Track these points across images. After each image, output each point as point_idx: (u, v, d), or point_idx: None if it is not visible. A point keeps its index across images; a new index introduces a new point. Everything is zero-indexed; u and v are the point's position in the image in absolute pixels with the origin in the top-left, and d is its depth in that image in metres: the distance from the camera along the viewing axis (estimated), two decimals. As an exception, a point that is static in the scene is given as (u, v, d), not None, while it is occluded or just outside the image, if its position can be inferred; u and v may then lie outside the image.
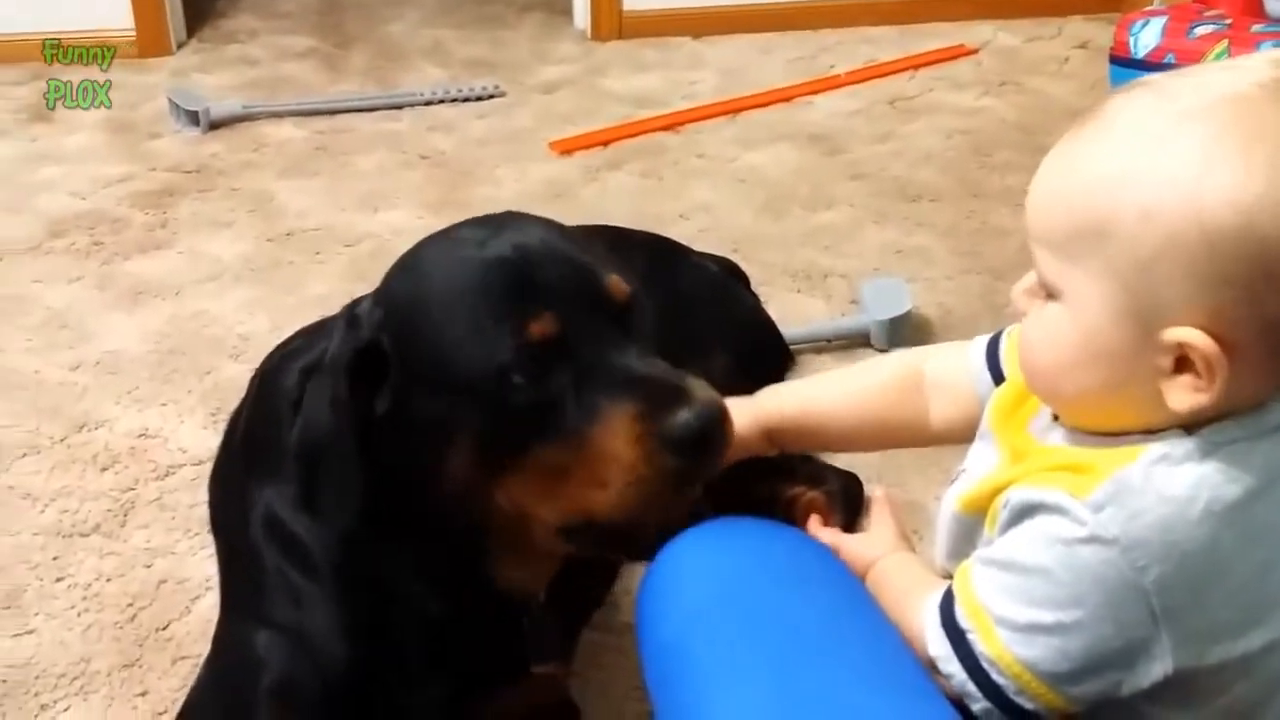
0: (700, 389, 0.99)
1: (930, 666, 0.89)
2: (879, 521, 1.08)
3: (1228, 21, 2.08)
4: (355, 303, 1.13)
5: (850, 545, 1.05)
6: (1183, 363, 0.78)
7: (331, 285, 2.38)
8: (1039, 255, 0.84)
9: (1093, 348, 0.82)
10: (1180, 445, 0.81)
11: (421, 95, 3.18)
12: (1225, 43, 2.01)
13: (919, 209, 2.65)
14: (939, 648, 0.88)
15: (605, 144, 2.95)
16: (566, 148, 2.93)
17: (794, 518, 1.64)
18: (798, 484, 1.70)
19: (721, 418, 0.98)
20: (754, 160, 2.88)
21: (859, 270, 2.37)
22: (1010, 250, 2.48)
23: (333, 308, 2.14)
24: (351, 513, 1.07)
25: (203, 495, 1.75)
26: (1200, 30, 2.07)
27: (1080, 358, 0.83)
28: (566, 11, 3.68)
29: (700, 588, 0.95)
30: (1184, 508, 0.79)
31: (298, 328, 2.10)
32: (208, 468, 1.80)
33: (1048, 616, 0.83)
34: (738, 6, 3.61)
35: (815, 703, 0.82)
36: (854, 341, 2.16)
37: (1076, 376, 0.84)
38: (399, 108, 3.15)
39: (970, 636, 0.87)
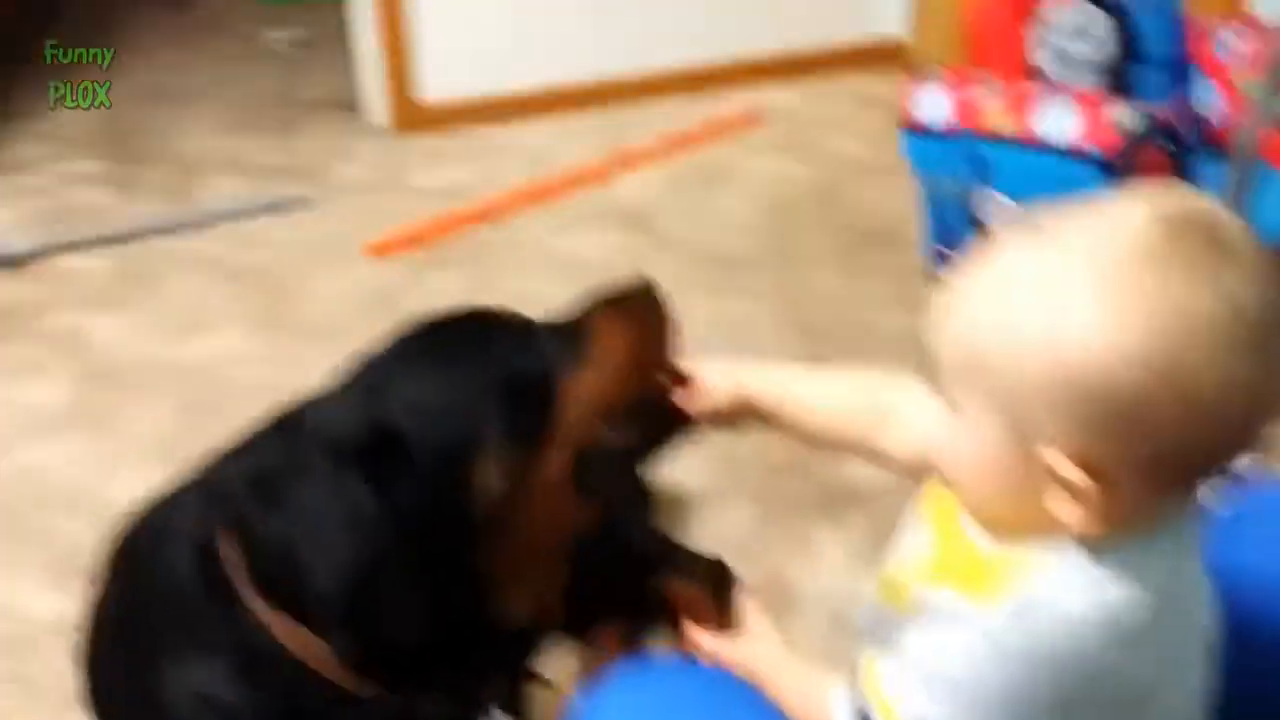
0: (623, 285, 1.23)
1: None
2: (756, 625, 1.13)
3: (1003, 86, 2.22)
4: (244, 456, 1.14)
5: (732, 650, 1.10)
6: (1065, 485, 0.83)
7: (163, 423, 2.31)
8: (939, 371, 0.89)
9: (985, 462, 0.86)
10: (1077, 562, 0.85)
11: (225, 210, 3.12)
12: (1005, 108, 2.15)
13: (736, 277, 2.74)
14: None
15: (422, 242, 2.95)
16: (382, 250, 2.92)
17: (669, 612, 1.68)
18: (669, 575, 1.73)
19: (647, 279, 1.24)
20: (571, 245, 2.93)
21: (692, 344, 2.43)
22: (829, 311, 2.58)
23: (169, 448, 2.13)
24: (418, 636, 1.07)
25: (60, 665, 1.68)
26: (980, 96, 2.20)
27: (976, 469, 0.87)
28: (360, 108, 3.66)
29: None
30: (1080, 627, 0.83)
31: (133, 473, 2.07)
32: (60, 637, 1.74)
33: (950, 717, 0.87)
34: (532, 90, 3.67)
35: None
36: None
37: (975, 485, 0.89)
38: (202, 226, 3.08)
39: None
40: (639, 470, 1.43)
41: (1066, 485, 0.81)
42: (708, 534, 1.92)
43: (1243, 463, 0.86)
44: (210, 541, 1.16)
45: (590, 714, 1.00)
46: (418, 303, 2.68)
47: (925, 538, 1.00)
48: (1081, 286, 0.78)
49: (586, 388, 1.15)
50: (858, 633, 1.03)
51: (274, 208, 3.15)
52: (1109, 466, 0.80)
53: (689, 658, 1.11)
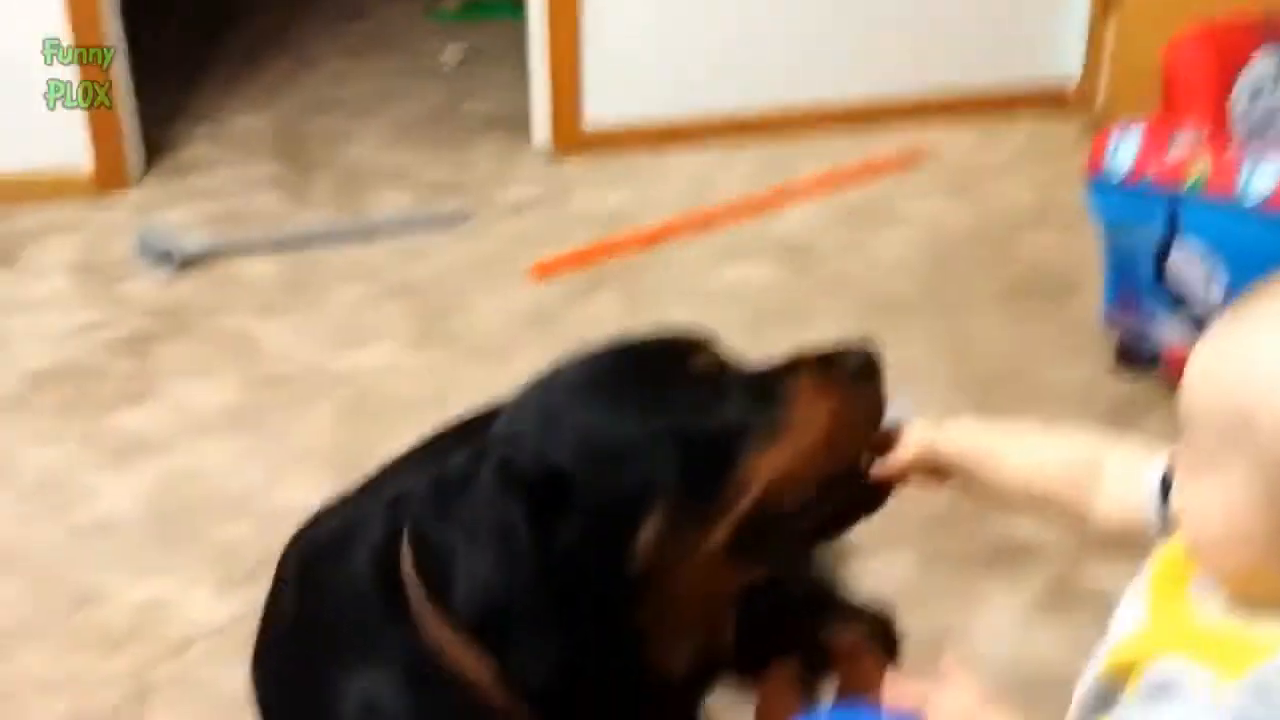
0: (839, 342, 1.14)
1: None
2: (952, 673, 1.06)
3: (1203, 137, 2.14)
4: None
5: (941, 706, 1.04)
6: None
7: (321, 432, 2.35)
8: (1189, 430, 0.85)
9: (1242, 530, 0.82)
10: None
11: (392, 222, 3.17)
12: (1205, 162, 2.06)
13: (897, 321, 2.68)
14: None
15: (582, 264, 2.96)
16: (546, 271, 2.93)
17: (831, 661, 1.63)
18: (833, 624, 1.69)
19: (871, 344, 1.14)
20: (730, 276, 2.91)
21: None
22: (994, 359, 2.52)
23: (327, 456, 2.16)
24: (550, 674, 1.04)
25: (224, 670, 1.71)
26: (1178, 148, 2.12)
27: (1229, 537, 0.83)
28: (526, 129, 3.70)
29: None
30: None
31: (294, 480, 2.10)
32: (225, 639, 1.78)
33: None
34: (696, 118, 3.66)
35: None
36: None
37: (1227, 553, 0.84)
38: (369, 237, 3.13)
39: None
40: (817, 544, 1.38)
41: None
42: (870, 585, 1.87)
43: None
44: (390, 552, 1.16)
45: None
46: (576, 325, 2.71)
47: (1141, 608, 0.95)
48: None
49: (773, 462, 1.08)
50: (1074, 714, 0.98)
51: (439, 223, 3.19)
52: None
53: (867, 707, 1.06)
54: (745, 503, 1.07)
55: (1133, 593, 0.98)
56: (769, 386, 1.10)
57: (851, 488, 1.15)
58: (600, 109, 3.60)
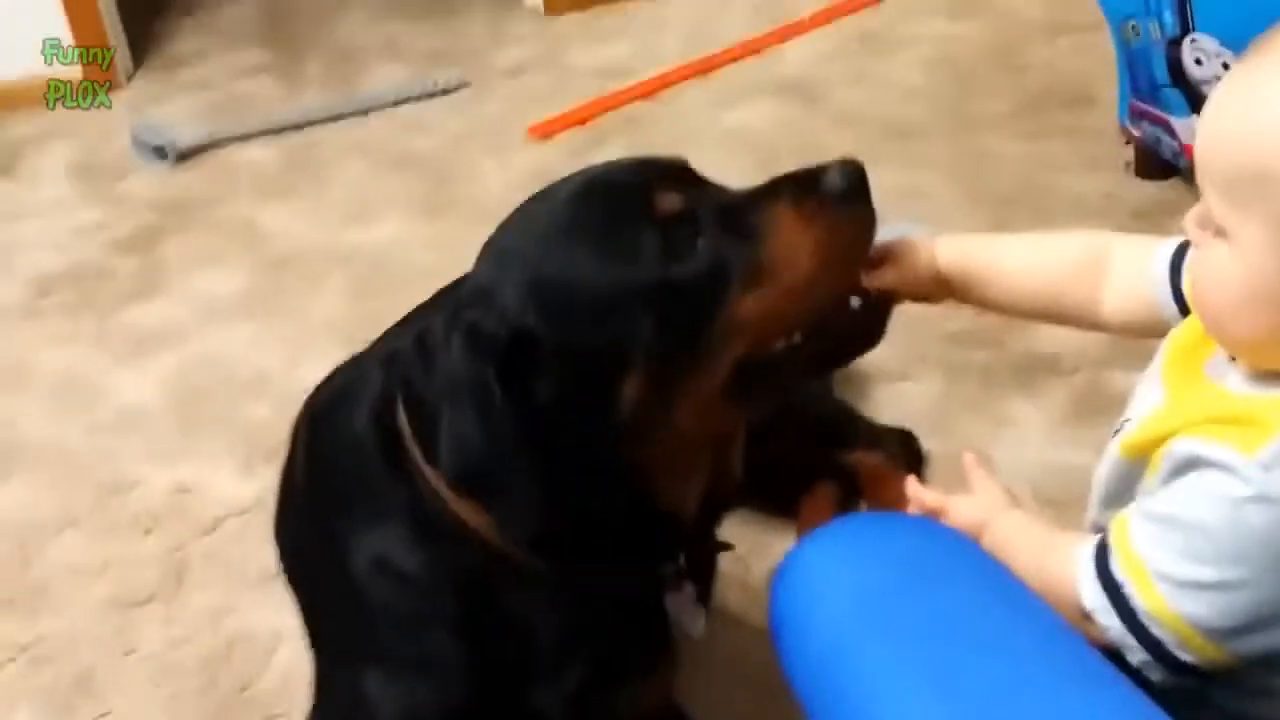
0: (823, 163, 1.02)
1: (1082, 617, 0.87)
2: (982, 485, 1.05)
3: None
4: (429, 323, 1.09)
5: (959, 510, 1.02)
6: None
7: (337, 308, 2.33)
8: (1206, 192, 0.82)
9: (1260, 292, 0.80)
10: None
11: (387, 97, 3.11)
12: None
13: (912, 147, 2.62)
14: (1095, 599, 0.87)
15: (584, 122, 2.89)
16: (546, 131, 2.87)
17: (859, 485, 1.62)
18: (855, 449, 1.67)
19: (857, 163, 1.02)
20: (736, 119, 2.84)
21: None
22: (1012, 177, 2.45)
23: (344, 331, 2.15)
24: (533, 529, 1.03)
25: (254, 546, 1.72)
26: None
27: (1247, 300, 0.81)
28: (514, -11, 3.60)
29: (842, 594, 0.92)
30: None
31: (314, 357, 2.08)
32: (253, 517, 1.78)
33: (1210, 574, 0.81)
34: (689, -38, 3.55)
35: (996, 702, 0.80)
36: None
37: (1244, 319, 0.82)
38: (365, 113, 3.07)
39: (1127, 590, 0.85)
40: (816, 378, 1.32)
41: None
42: (894, 409, 1.85)
43: None
44: (387, 411, 1.15)
45: (808, 560, 0.95)
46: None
47: (1158, 391, 0.92)
48: None
49: (758, 304, 1.01)
50: (1096, 500, 0.96)
51: (435, 92, 3.12)
52: None
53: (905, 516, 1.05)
54: (731, 349, 1.01)
55: (1149, 377, 0.95)
56: (748, 219, 1.02)
57: (846, 321, 1.09)
58: (590, -38, 3.50)
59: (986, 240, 1.19)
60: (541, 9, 3.52)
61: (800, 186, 1.02)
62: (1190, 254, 0.88)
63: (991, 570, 0.94)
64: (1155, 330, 1.01)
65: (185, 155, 2.94)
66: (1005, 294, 1.13)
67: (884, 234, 2.22)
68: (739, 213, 1.03)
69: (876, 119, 2.75)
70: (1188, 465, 0.83)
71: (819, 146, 2.66)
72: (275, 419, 1.96)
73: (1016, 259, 1.13)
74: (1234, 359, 0.88)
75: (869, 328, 1.10)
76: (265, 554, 1.45)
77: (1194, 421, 0.85)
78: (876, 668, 0.86)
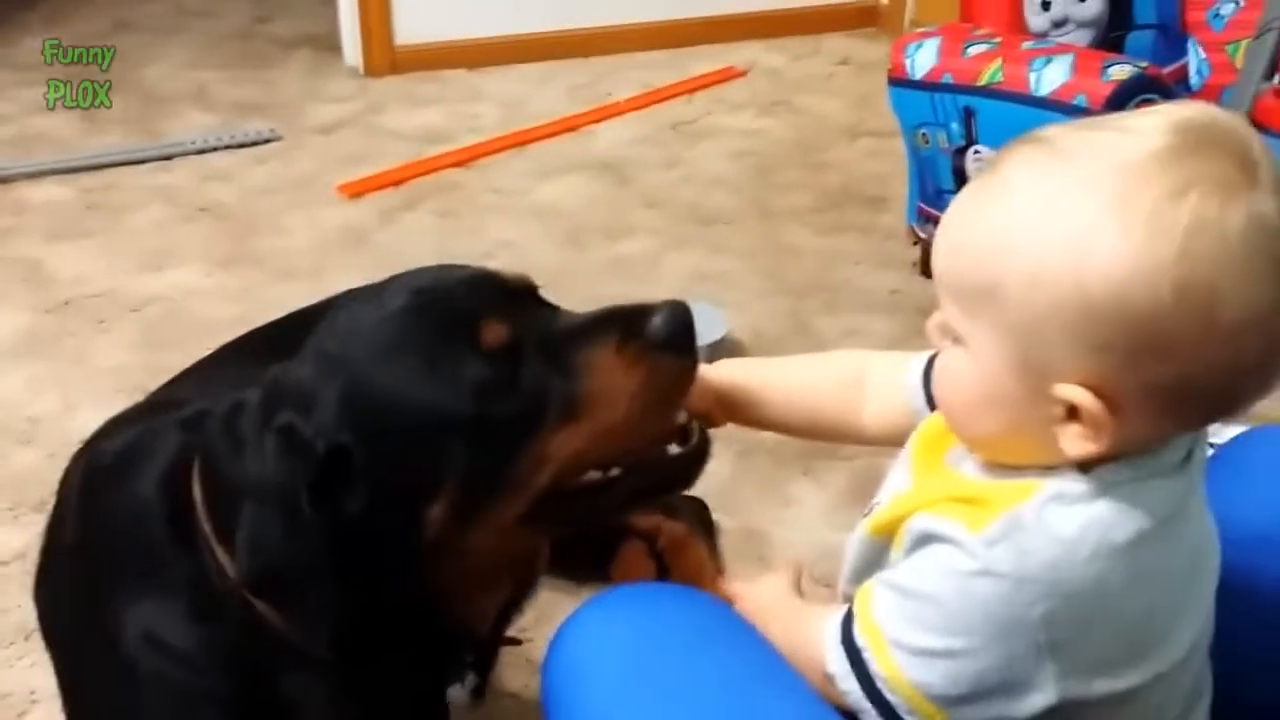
0: (652, 303, 1.03)
1: (825, 681, 0.90)
2: (767, 579, 1.09)
3: (998, 40, 2.18)
4: (240, 411, 1.06)
5: (748, 596, 1.06)
6: (1074, 412, 0.80)
7: (122, 355, 2.25)
8: (943, 301, 0.86)
9: (991, 394, 0.84)
10: (1073, 485, 0.83)
11: (192, 144, 3.04)
12: (999, 61, 2.11)
13: (715, 233, 2.70)
14: (837, 664, 0.90)
15: (396, 184, 2.89)
16: (356, 190, 2.85)
17: (657, 551, 1.65)
18: (651, 512, 1.70)
19: (687, 310, 1.03)
20: (548, 193, 2.88)
21: (669, 298, 2.39)
22: (808, 268, 2.55)
23: (129, 381, 2.08)
24: (326, 636, 1.01)
25: (13, 600, 1.64)
26: (974, 50, 2.16)
27: (981, 402, 0.85)
28: (335, 47, 3.59)
29: (610, 665, 0.94)
30: (1072, 548, 0.81)
31: (93, 405, 2.01)
32: (14, 568, 1.70)
33: (939, 642, 0.85)
34: (511, 36, 3.60)
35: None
36: (671, 370, 2.18)
37: (978, 418, 0.86)
38: (169, 158, 3.00)
39: (866, 655, 0.88)
40: (629, 514, 1.32)
41: (1078, 414, 0.79)
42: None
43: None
44: (180, 479, 1.11)
45: (577, 633, 0.96)
46: (389, 244, 2.66)
47: (905, 478, 0.98)
48: (1102, 207, 0.75)
49: (569, 441, 1.01)
50: (846, 574, 1.00)
51: (244, 143, 3.07)
52: (1124, 394, 0.78)
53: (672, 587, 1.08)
54: (539, 482, 1.01)
55: (899, 465, 1.00)
56: (571, 355, 1.02)
57: (664, 460, 1.09)
58: (412, 27, 3.52)
59: (760, 363, 1.25)
60: (361, 69, 3.52)
61: (626, 327, 1.02)
62: (937, 359, 0.93)
63: (754, 640, 0.97)
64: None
65: (-27, 188, 2.82)
66: (776, 413, 1.17)
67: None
68: (563, 347, 1.03)
69: (684, 203, 2.83)
70: (924, 539, 0.87)
71: (627, 225, 2.72)
72: (46, 467, 1.88)
73: (785, 379, 1.18)
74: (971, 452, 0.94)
75: (687, 466, 1.09)
76: (24, 608, 1.39)
77: (932, 500, 0.89)
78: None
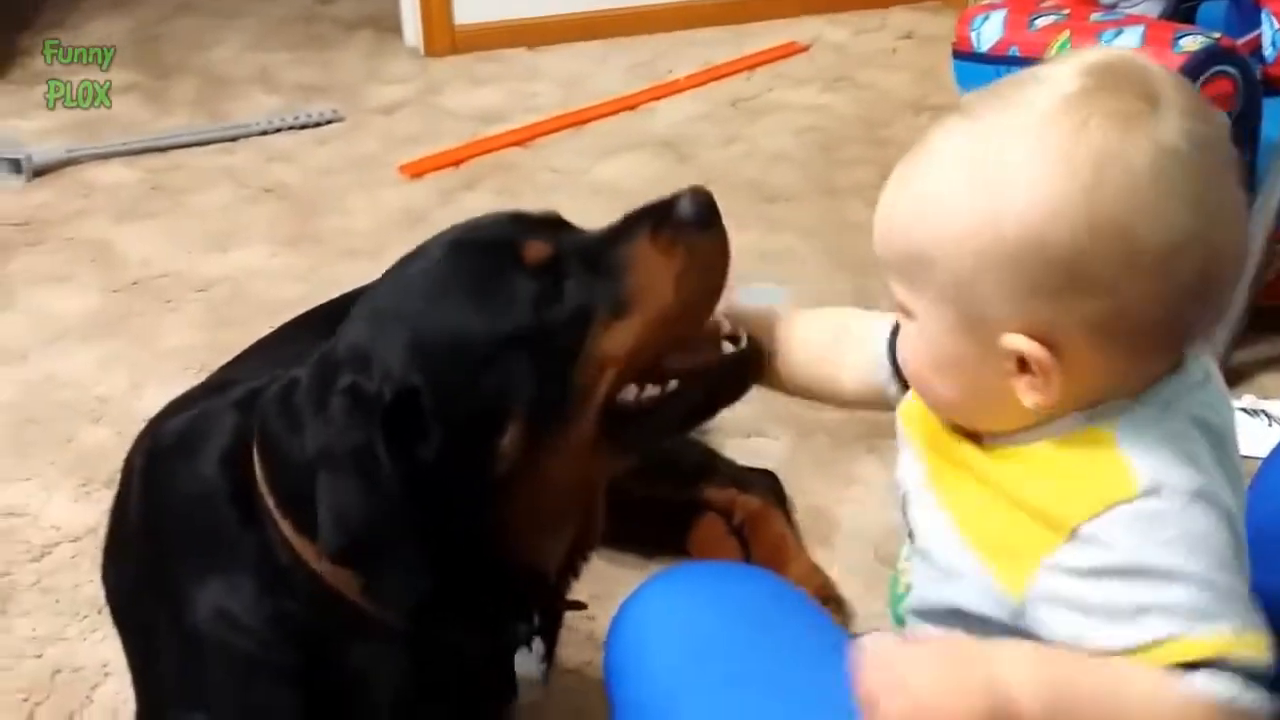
0: (673, 194, 1.06)
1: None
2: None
3: (1066, 12, 2.14)
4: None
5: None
6: (1024, 363, 0.81)
7: (189, 335, 2.28)
8: (888, 277, 0.87)
9: (944, 359, 0.85)
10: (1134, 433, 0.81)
11: (256, 125, 3.07)
12: (1067, 33, 2.07)
13: (777, 210, 2.67)
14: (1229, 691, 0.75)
15: (456, 164, 2.90)
16: (417, 170, 2.86)
17: (735, 526, 1.64)
18: (724, 486, 1.69)
19: (705, 191, 1.06)
20: (607, 171, 2.87)
21: (729, 277, 2.38)
22: (871, 245, 2.52)
23: (195, 360, 2.10)
24: (418, 599, 1.02)
25: (85, 575, 1.67)
26: (1041, 22, 2.12)
27: (937, 368, 0.86)
28: (396, 29, 3.60)
29: (673, 644, 0.94)
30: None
31: (159, 384, 2.03)
32: (86, 544, 1.72)
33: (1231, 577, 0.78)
34: (570, 15, 3.59)
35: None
36: (733, 349, 2.16)
37: (939, 385, 0.87)
38: (233, 140, 3.03)
39: (1229, 664, 0.75)
40: (689, 429, 1.33)
41: (1025, 363, 0.80)
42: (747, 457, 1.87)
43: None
44: (240, 457, 1.12)
45: (642, 610, 0.97)
46: (448, 223, 2.60)
47: (916, 464, 0.95)
48: (1013, 154, 0.77)
49: (620, 341, 1.03)
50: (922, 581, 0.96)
51: (307, 124, 3.09)
52: (1063, 335, 0.79)
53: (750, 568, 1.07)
54: (604, 386, 1.03)
55: (904, 451, 0.98)
56: (609, 257, 1.05)
57: (716, 366, 1.10)
58: (471, 7, 3.52)
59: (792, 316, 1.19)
60: (421, 50, 3.53)
61: (655, 218, 1.05)
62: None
63: (820, 622, 0.96)
64: (884, 404, 1.06)
65: (41, 171, 2.86)
66: (787, 364, 1.14)
67: (746, 295, 2.28)
68: (601, 252, 1.05)
69: (744, 181, 2.81)
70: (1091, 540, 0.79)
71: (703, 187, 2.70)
72: (115, 445, 1.91)
73: (790, 330, 1.14)
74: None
75: (738, 373, 1.11)
76: (96, 583, 1.41)
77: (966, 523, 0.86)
78: (704, 717, 0.87)
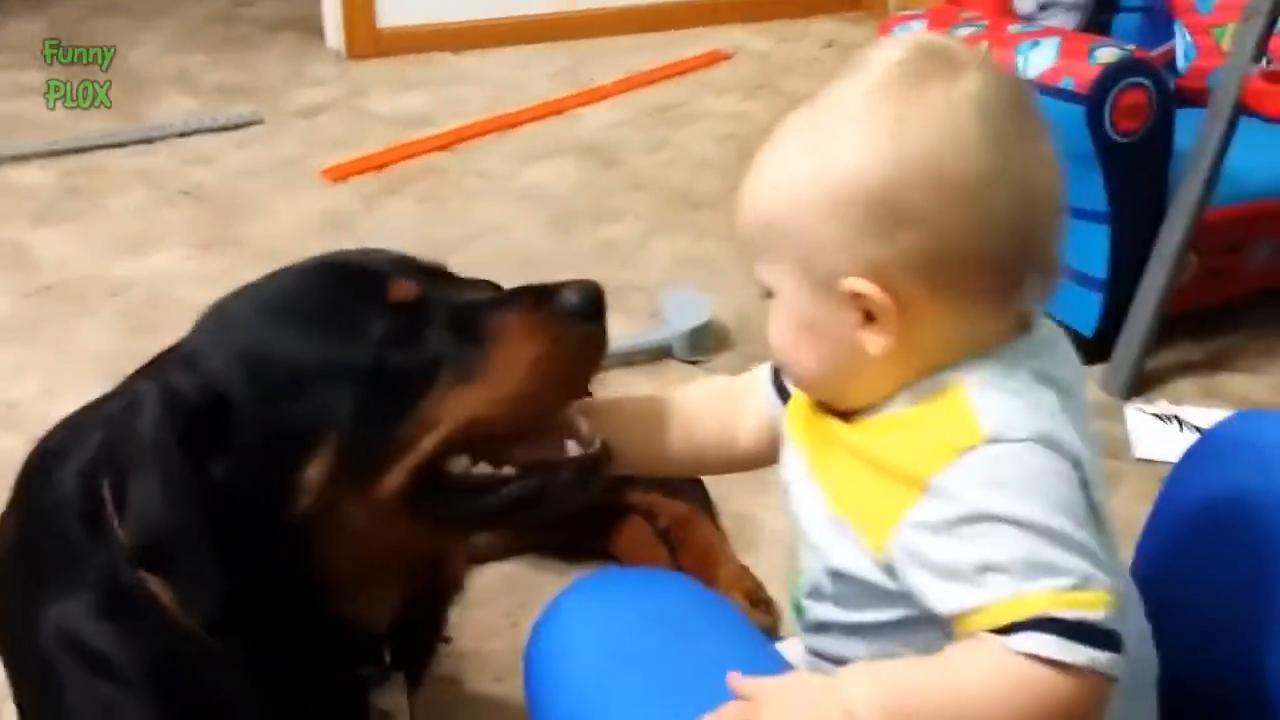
0: (566, 280, 1.01)
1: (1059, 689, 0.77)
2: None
3: (984, 23, 2.18)
4: (143, 379, 1.04)
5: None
6: (869, 316, 0.85)
7: (104, 339, 2.23)
8: (752, 263, 0.91)
9: (802, 323, 0.88)
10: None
11: (174, 127, 3.03)
12: (985, 45, 2.10)
13: (702, 217, 2.68)
14: (1071, 655, 0.76)
15: (380, 168, 2.87)
16: (339, 174, 2.84)
17: (661, 530, 1.63)
18: (649, 490, 1.68)
19: (599, 287, 1.00)
20: (533, 176, 2.86)
21: (653, 283, 2.39)
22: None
23: (109, 366, 2.05)
24: (211, 608, 0.98)
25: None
26: (960, 32, 2.15)
27: (798, 335, 0.89)
28: (317, 30, 3.57)
29: (594, 649, 0.93)
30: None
31: (72, 391, 1.98)
32: (-5, 553, 1.68)
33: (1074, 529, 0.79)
34: (495, 20, 3.59)
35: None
36: (657, 355, 2.17)
37: (802, 353, 0.89)
38: (151, 141, 2.98)
39: (1072, 616, 0.77)
40: (518, 521, 1.25)
41: (866, 308, 0.84)
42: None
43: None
44: (93, 471, 1.08)
45: (563, 614, 0.96)
46: (372, 228, 2.64)
47: (801, 458, 0.95)
48: (834, 117, 0.85)
49: (458, 407, 0.97)
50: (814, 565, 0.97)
51: (227, 127, 3.05)
52: (894, 274, 0.83)
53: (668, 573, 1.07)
54: (426, 445, 0.97)
55: (787, 450, 0.98)
56: (474, 321, 0.99)
57: (559, 467, 1.02)
58: (395, 9, 3.50)
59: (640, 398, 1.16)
60: (343, 52, 3.50)
61: (535, 297, 1.00)
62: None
63: (743, 629, 0.96)
64: (776, 447, 1.03)
65: (-47, 172, 2.80)
66: (669, 442, 1.09)
67: (670, 301, 2.28)
68: (469, 314, 1.00)
69: (669, 187, 2.82)
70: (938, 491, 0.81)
71: (612, 209, 2.71)
72: (24, 452, 1.86)
73: (669, 405, 1.10)
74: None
75: (582, 477, 1.02)
76: None
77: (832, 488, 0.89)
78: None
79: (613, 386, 2.09)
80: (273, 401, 0.96)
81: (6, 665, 1.23)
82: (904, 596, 0.84)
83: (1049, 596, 0.77)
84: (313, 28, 3.58)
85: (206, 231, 2.61)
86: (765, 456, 1.06)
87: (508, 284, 1.07)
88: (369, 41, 3.48)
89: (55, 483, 1.13)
